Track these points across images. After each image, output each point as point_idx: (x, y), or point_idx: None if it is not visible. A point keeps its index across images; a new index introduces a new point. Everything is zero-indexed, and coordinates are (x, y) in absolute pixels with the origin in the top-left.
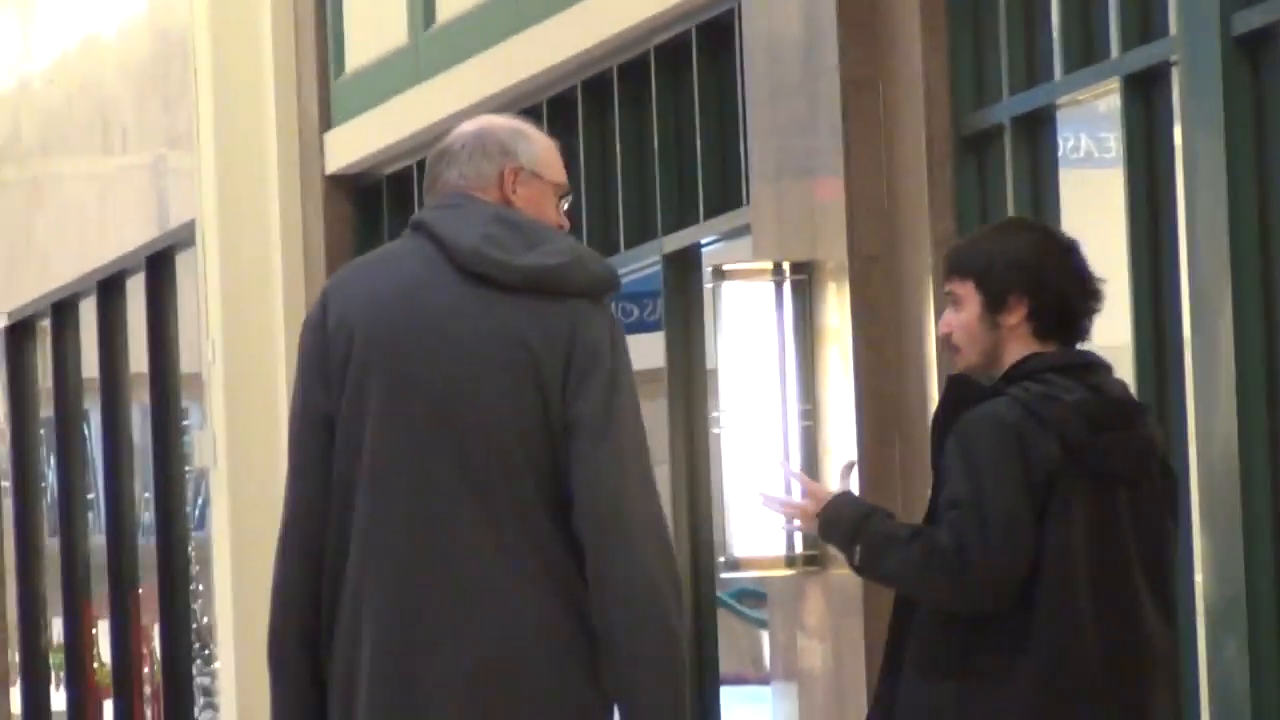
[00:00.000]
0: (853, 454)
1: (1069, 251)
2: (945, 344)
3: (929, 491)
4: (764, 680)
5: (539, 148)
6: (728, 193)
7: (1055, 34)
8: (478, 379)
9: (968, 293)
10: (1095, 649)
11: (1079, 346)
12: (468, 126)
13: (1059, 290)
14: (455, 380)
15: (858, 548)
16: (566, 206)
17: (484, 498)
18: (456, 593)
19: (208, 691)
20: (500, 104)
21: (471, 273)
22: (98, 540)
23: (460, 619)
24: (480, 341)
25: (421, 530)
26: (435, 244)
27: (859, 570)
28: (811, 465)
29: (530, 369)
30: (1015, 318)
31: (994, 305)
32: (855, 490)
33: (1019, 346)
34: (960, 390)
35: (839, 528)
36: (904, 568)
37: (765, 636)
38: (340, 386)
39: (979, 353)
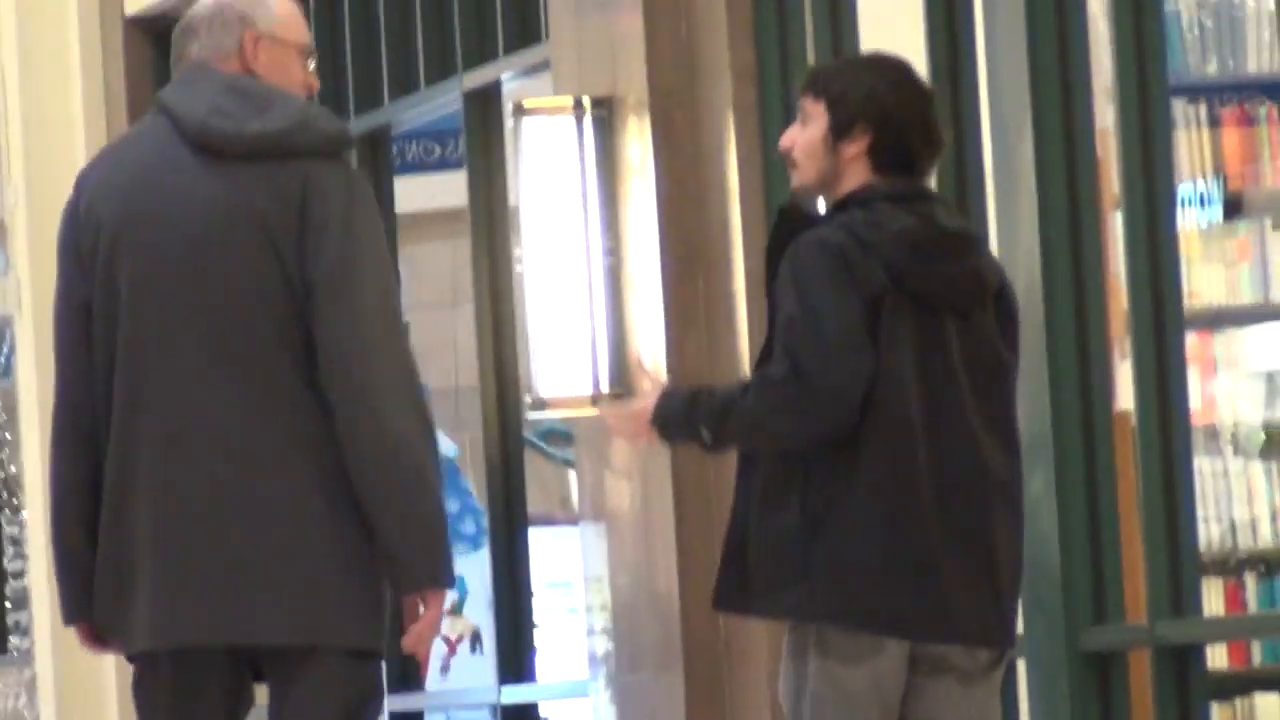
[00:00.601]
0: (657, 289)
1: (924, 100)
2: (785, 158)
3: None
4: (573, 521)
5: (277, 11)
6: (527, 28)
7: None
8: (215, 251)
9: (818, 113)
10: (926, 470)
11: None
12: None
13: (903, 131)
14: (193, 255)
15: (701, 429)
16: (313, 66)
17: (234, 367)
18: (214, 464)
19: (16, 541)
20: None
21: (202, 146)
22: None
23: (220, 490)
24: (214, 213)
25: (176, 406)
26: (171, 122)
27: (714, 447)
28: (616, 303)
29: (265, 234)
30: (856, 148)
31: (839, 131)
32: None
33: (856, 176)
34: (789, 219)
35: (674, 422)
36: (747, 418)
37: (573, 476)
38: (93, 272)
39: (816, 172)
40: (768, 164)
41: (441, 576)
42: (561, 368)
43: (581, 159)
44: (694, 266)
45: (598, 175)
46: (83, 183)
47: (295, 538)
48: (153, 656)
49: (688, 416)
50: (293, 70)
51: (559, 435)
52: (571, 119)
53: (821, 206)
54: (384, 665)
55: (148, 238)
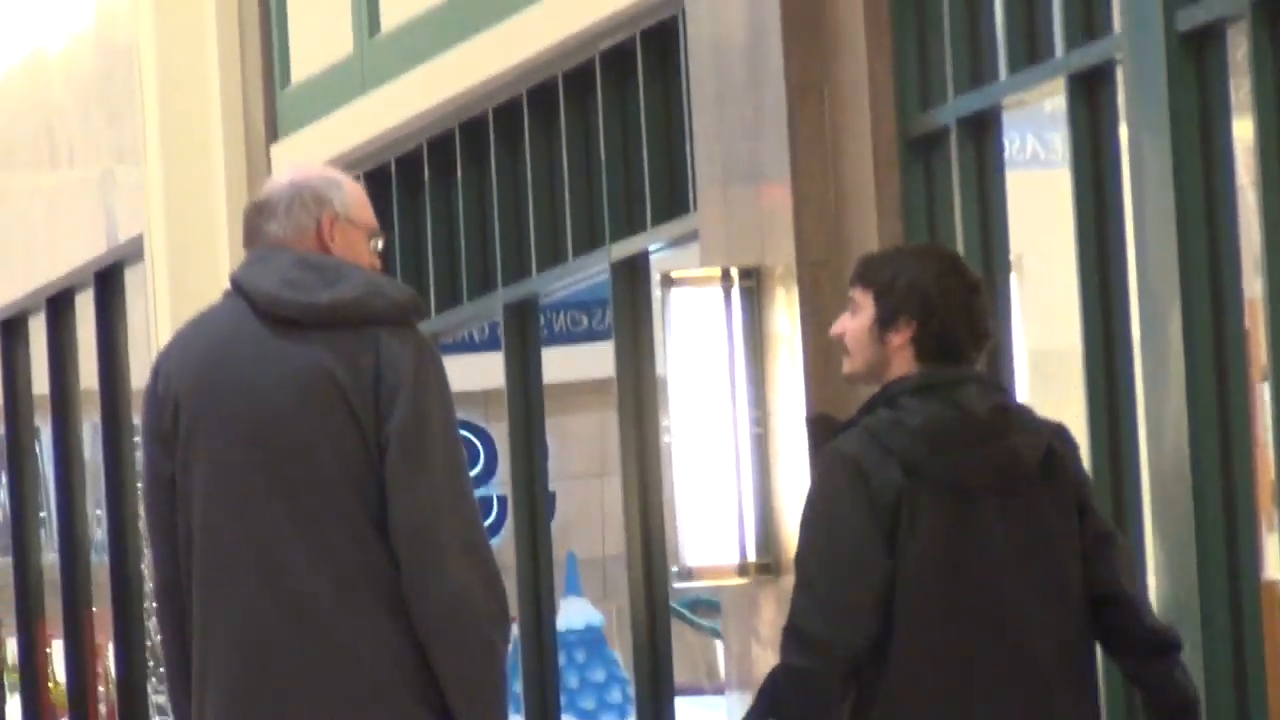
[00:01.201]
0: (804, 459)
1: (971, 290)
2: (837, 344)
3: None
4: (719, 690)
5: (350, 195)
6: (675, 199)
7: (1000, 34)
8: (291, 418)
9: (865, 303)
10: (958, 652)
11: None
12: (280, 178)
13: (947, 323)
14: (269, 423)
15: None
16: (379, 247)
17: (314, 531)
18: (297, 630)
19: (163, 710)
20: (446, 113)
21: (276, 318)
22: (50, 559)
23: (303, 655)
24: (288, 382)
25: (257, 574)
26: (245, 299)
27: None
28: (763, 473)
29: (340, 399)
30: (901, 338)
31: (885, 321)
32: None
33: (901, 364)
34: (820, 429)
35: None
36: (777, 700)
37: (719, 646)
38: (174, 447)
39: (864, 361)
40: None
41: None
42: (708, 538)
43: (729, 329)
44: None
45: (745, 345)
46: (160, 365)
47: (362, 700)
48: None
49: None
50: (361, 250)
51: (706, 605)
52: (719, 289)
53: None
54: None
55: (223, 411)
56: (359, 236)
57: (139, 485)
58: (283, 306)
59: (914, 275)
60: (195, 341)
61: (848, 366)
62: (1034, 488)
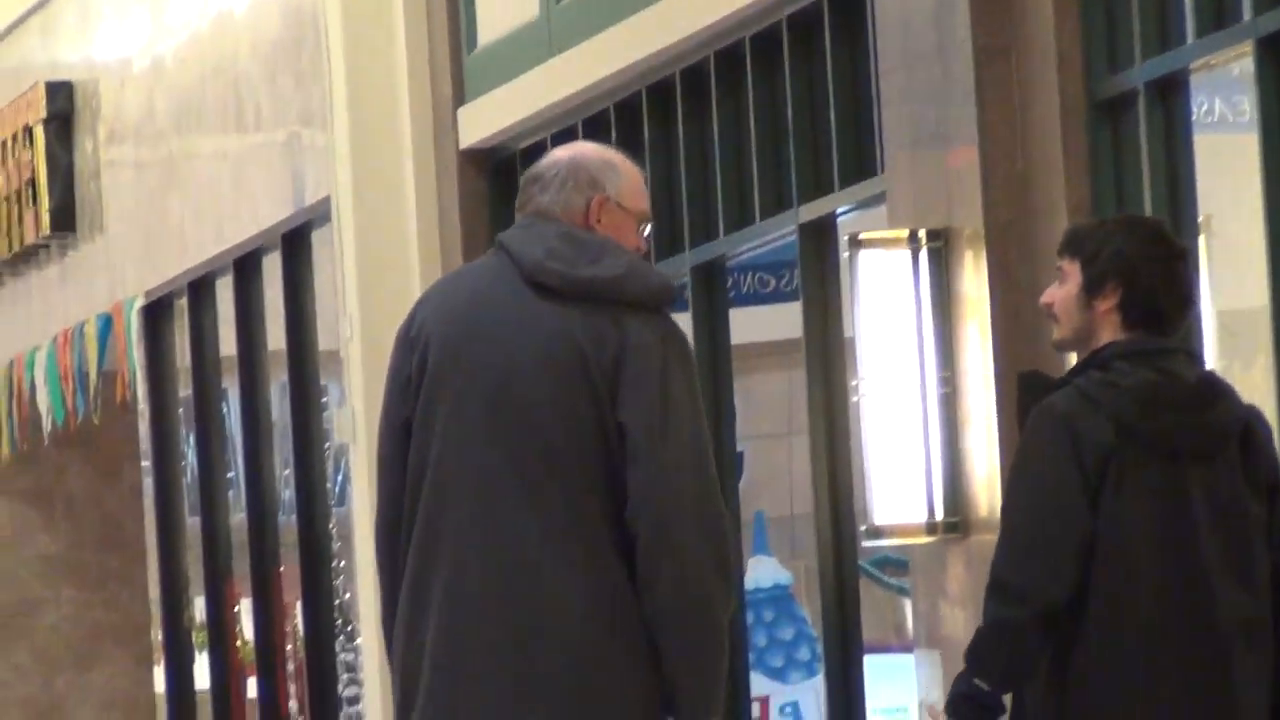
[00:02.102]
0: (992, 419)
1: (1175, 258)
2: (1046, 313)
3: None
4: (907, 648)
5: (625, 180)
6: (862, 162)
7: None
8: (531, 379)
9: (1073, 271)
10: (1154, 616)
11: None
12: (561, 153)
13: (1151, 289)
14: (510, 380)
15: (976, 683)
16: (647, 233)
17: (534, 488)
18: (502, 573)
19: (351, 668)
20: (632, 77)
21: (535, 283)
22: (238, 518)
23: (504, 597)
24: (536, 344)
25: (476, 519)
26: (509, 259)
27: (989, 693)
28: (950, 433)
29: (581, 370)
30: (1107, 304)
31: (1091, 288)
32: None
33: (1108, 331)
34: (1030, 385)
35: (957, 695)
36: (984, 652)
37: (907, 604)
38: (416, 392)
39: (1072, 329)
40: None
41: (711, 713)
42: (897, 496)
43: (916, 291)
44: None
45: (933, 307)
46: (418, 309)
47: (569, 668)
48: None
49: (960, 689)
50: (628, 234)
51: (893, 563)
52: (907, 251)
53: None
54: None
55: (471, 360)
56: (627, 220)
57: (326, 445)
58: (545, 274)
59: (1119, 244)
60: (455, 292)
61: (1057, 334)
62: (1232, 463)
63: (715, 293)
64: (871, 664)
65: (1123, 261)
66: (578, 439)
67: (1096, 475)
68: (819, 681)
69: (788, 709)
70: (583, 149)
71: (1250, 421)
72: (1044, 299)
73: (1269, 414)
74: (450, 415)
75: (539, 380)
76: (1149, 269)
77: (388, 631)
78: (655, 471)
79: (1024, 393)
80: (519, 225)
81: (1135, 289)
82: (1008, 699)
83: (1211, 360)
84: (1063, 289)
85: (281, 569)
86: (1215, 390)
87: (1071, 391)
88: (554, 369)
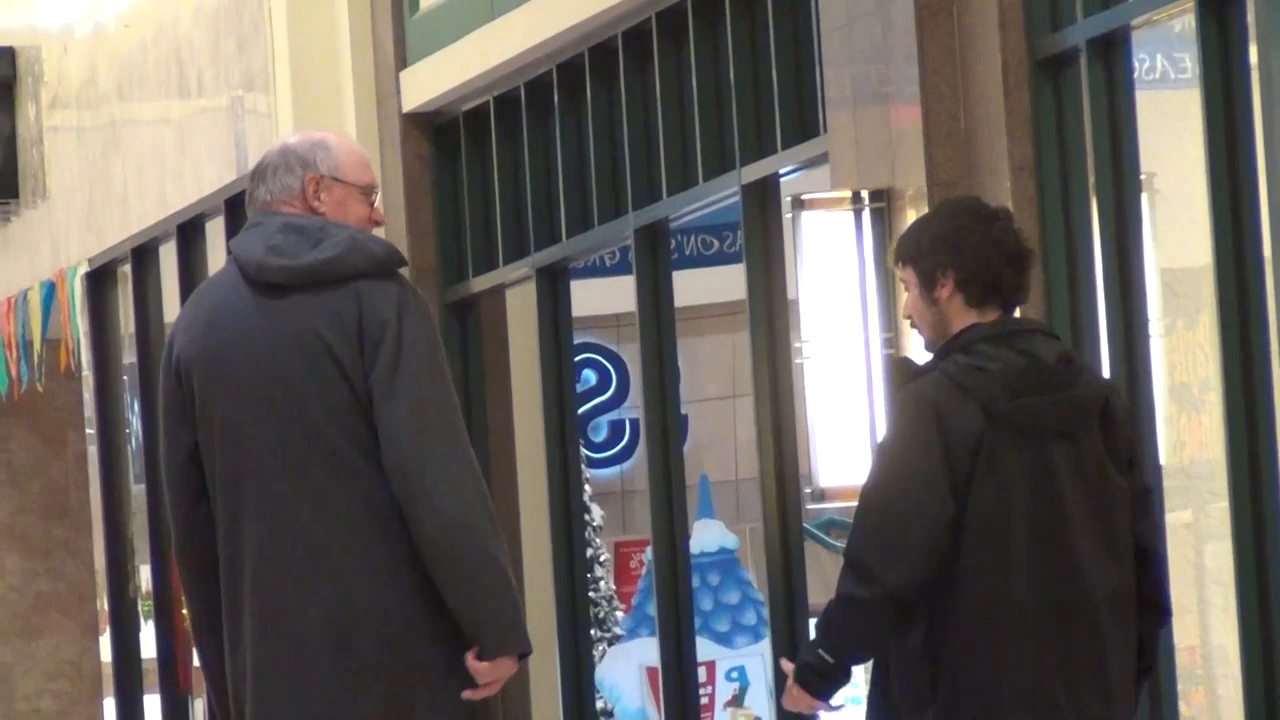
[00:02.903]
0: None
1: (991, 220)
2: (911, 325)
3: None
4: None
5: (340, 155)
6: (805, 122)
7: None
8: (284, 377)
9: (909, 277)
10: (1025, 594)
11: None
12: (273, 147)
13: (977, 259)
14: (264, 383)
15: (820, 655)
16: (377, 202)
17: (309, 474)
18: (298, 564)
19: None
20: (575, 38)
21: (263, 283)
22: None
23: (306, 585)
24: (277, 342)
25: (268, 521)
26: (237, 266)
27: (837, 663)
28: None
29: (326, 352)
30: (946, 291)
31: (927, 283)
32: None
33: (959, 318)
34: (901, 371)
35: (805, 673)
36: (834, 631)
37: None
38: (192, 412)
39: (929, 327)
40: (1046, 256)
41: (513, 642)
42: (841, 459)
43: (860, 251)
44: None
45: (876, 267)
46: (173, 336)
47: (379, 639)
48: None
49: (806, 659)
50: (353, 208)
51: (839, 526)
52: (850, 212)
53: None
54: None
55: (226, 375)
56: (350, 194)
57: None
58: (267, 272)
59: (934, 230)
60: (199, 311)
61: (924, 340)
62: (1094, 438)
63: (659, 255)
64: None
65: (943, 244)
66: (340, 419)
67: (968, 460)
68: (765, 645)
69: (734, 673)
70: (294, 136)
71: (1109, 396)
72: (904, 312)
73: (1212, 374)
74: (224, 422)
75: (289, 375)
76: (968, 241)
77: (203, 660)
78: (390, 425)
79: (897, 378)
80: (245, 227)
81: (965, 265)
82: (859, 671)
83: (1155, 319)
84: (909, 297)
85: None
86: (1075, 368)
87: (939, 378)
88: (299, 360)
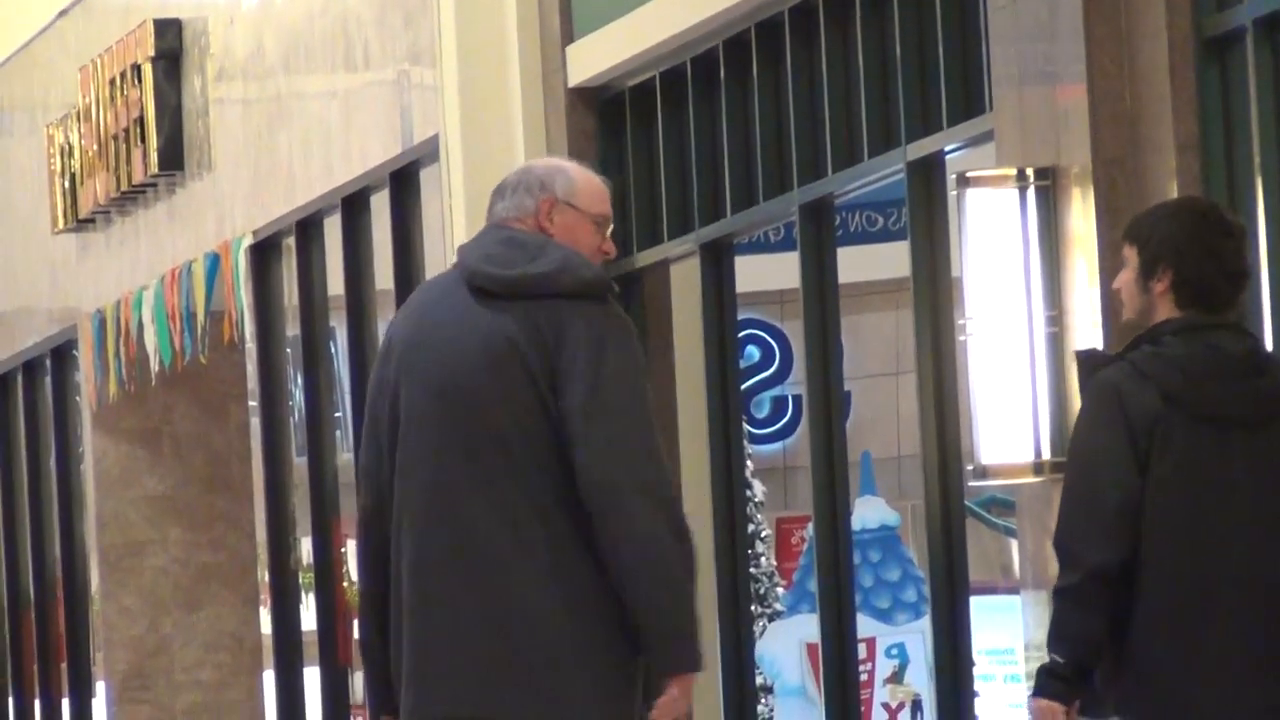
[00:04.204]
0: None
1: (1225, 236)
2: (1115, 297)
3: None
4: (1013, 589)
5: (576, 183)
6: (970, 99)
7: None
8: (474, 375)
9: (1131, 256)
10: (1197, 574)
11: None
12: (517, 168)
13: (1200, 270)
14: (456, 378)
15: (1051, 657)
16: (609, 232)
17: (487, 475)
18: (464, 560)
19: None
20: (741, 14)
21: (474, 287)
22: (345, 458)
23: (466, 582)
24: (476, 343)
25: (437, 509)
26: (460, 267)
27: (1064, 664)
28: (1058, 372)
29: (519, 361)
30: (1162, 285)
31: (1147, 271)
32: None
33: (1164, 310)
34: (1089, 363)
35: (1040, 671)
36: (1054, 625)
37: (1014, 545)
38: (390, 394)
39: (1135, 310)
40: None
41: (686, 662)
42: (1004, 436)
43: (1024, 229)
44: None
45: (1040, 245)
46: (391, 326)
47: (536, 635)
48: None
49: (1042, 666)
50: (583, 235)
51: (1001, 504)
52: (1015, 190)
53: None
54: None
55: (423, 366)
56: (581, 221)
57: None
58: (479, 278)
59: (1169, 228)
60: (417, 304)
61: (1125, 315)
62: (1276, 426)
63: (823, 231)
64: (978, 605)
65: (1172, 245)
66: (522, 425)
67: (1146, 439)
68: (925, 623)
69: (894, 650)
70: (536, 159)
71: None
72: (1114, 284)
73: None
74: (411, 408)
75: (480, 375)
76: (1197, 250)
77: (363, 620)
78: (592, 451)
79: (1082, 370)
80: (478, 234)
81: (1184, 270)
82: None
83: None
84: (1125, 274)
85: None
86: (1262, 361)
87: (1123, 364)
88: (492, 363)
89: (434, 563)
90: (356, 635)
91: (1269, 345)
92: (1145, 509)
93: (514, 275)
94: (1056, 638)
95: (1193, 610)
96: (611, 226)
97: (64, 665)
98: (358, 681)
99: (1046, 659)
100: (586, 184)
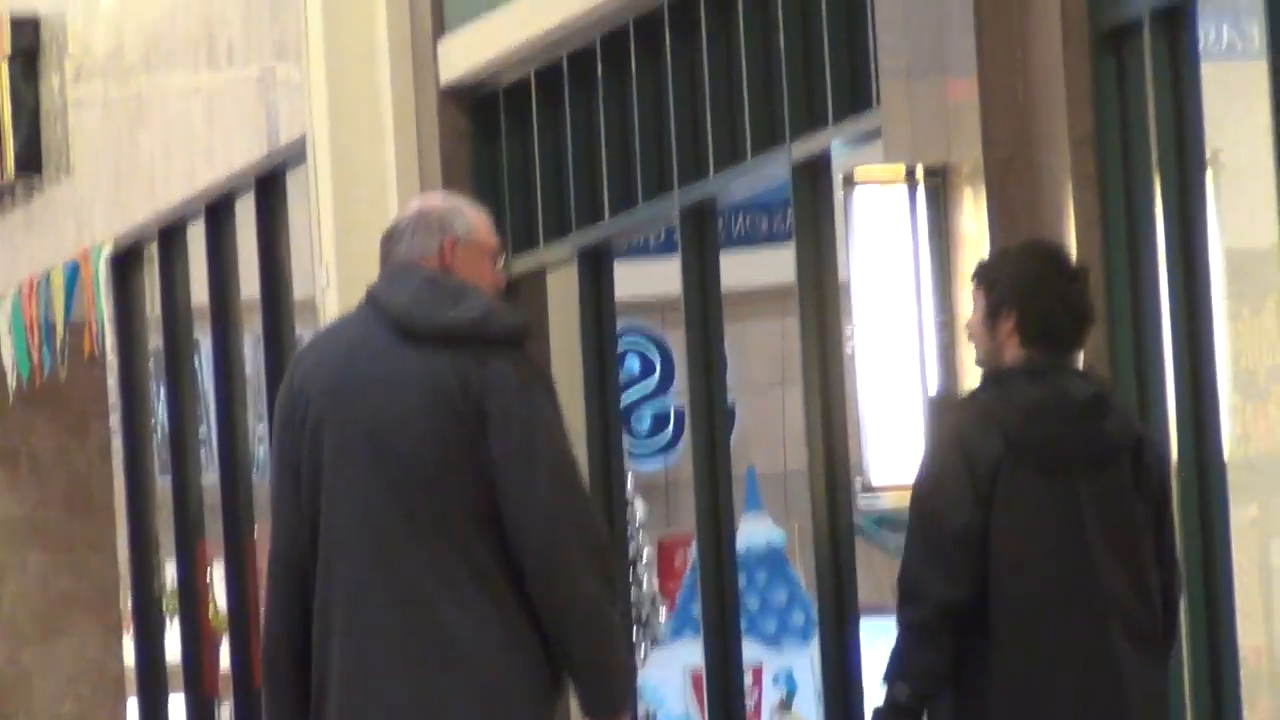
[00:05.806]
0: None
1: (1070, 279)
2: (968, 337)
3: None
4: None
5: (471, 220)
6: (857, 94)
7: None
8: (404, 419)
9: (979, 298)
10: (1042, 607)
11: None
12: (409, 207)
13: (1044, 312)
14: (385, 422)
15: (896, 690)
16: (501, 264)
17: (417, 521)
18: (397, 604)
19: None
20: (619, 7)
21: (403, 331)
22: (211, 478)
23: (401, 628)
24: (406, 387)
25: (367, 555)
26: (376, 309)
27: (915, 694)
28: (950, 379)
29: (451, 409)
30: (1007, 326)
31: (993, 313)
32: None
33: (1011, 350)
34: (938, 405)
35: (886, 703)
36: (905, 655)
37: None
38: (302, 438)
39: (984, 350)
40: (1106, 234)
41: (620, 703)
42: (895, 450)
43: (914, 230)
44: None
45: (931, 247)
46: (298, 361)
47: (476, 675)
48: None
49: (888, 695)
50: (484, 270)
51: (891, 522)
52: (904, 189)
53: None
54: None
55: (347, 403)
56: (481, 257)
57: None
58: (410, 320)
59: (1014, 270)
60: (332, 345)
61: (977, 356)
62: (1123, 476)
63: (706, 235)
64: (869, 628)
65: (1016, 287)
66: (456, 474)
67: (988, 484)
68: (814, 646)
69: (781, 677)
70: (427, 198)
71: (1143, 439)
72: (964, 325)
73: None
74: (334, 466)
75: (414, 422)
76: (1041, 292)
77: (269, 668)
78: (525, 503)
79: (932, 412)
80: (385, 276)
81: (1028, 311)
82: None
83: (1219, 302)
84: (974, 315)
85: (256, 530)
86: (1104, 407)
87: (970, 404)
88: (427, 410)
89: (367, 605)
90: (262, 672)
91: (1169, 340)
92: (991, 550)
93: (446, 320)
94: (902, 672)
95: (1036, 638)
96: (502, 258)
97: None
98: (224, 712)
99: (883, 694)
100: (479, 220)
